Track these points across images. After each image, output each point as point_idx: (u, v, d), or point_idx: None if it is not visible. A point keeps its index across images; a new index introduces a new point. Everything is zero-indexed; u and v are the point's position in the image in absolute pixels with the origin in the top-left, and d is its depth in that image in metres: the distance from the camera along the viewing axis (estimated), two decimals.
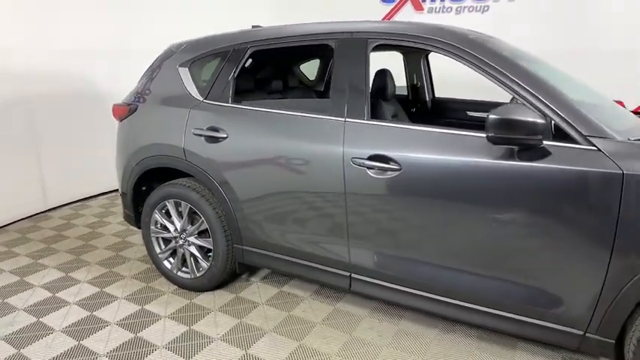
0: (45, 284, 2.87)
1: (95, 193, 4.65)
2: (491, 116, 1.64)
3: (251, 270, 3.03)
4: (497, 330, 2.04)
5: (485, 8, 5.59)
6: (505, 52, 1.96)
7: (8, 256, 3.28)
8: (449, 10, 5.78)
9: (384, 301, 2.55)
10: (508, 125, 1.64)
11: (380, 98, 2.76)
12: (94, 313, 2.56)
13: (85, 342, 2.29)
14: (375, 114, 2.57)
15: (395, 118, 2.94)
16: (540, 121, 1.64)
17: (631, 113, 2.34)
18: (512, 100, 2.14)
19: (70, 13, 4.10)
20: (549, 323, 1.83)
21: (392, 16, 6.00)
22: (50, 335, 2.34)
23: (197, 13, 5.08)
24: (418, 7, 5.89)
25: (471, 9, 5.68)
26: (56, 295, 2.75)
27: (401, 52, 3.37)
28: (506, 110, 1.66)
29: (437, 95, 3.52)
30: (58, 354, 2.19)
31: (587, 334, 1.78)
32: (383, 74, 2.82)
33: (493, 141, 1.70)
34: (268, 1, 5.91)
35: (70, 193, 4.42)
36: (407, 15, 5.95)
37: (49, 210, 4.23)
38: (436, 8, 5.83)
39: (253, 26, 2.81)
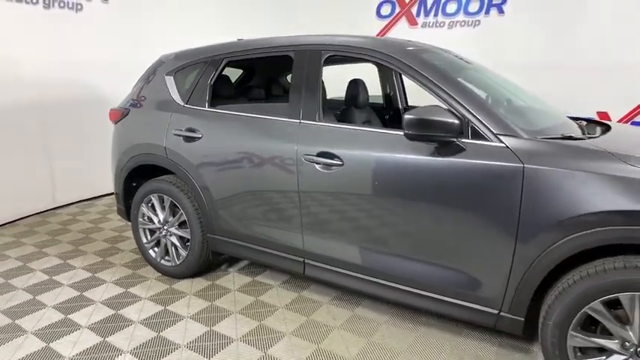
0: (44, 269, 3.20)
1: (101, 193, 5.01)
2: (407, 116, 1.89)
3: (231, 261, 3.29)
4: (429, 311, 2.24)
5: (477, 23, 5.80)
6: (436, 62, 2.20)
7: (15, 245, 3.64)
8: (442, 24, 6.02)
9: (339, 288, 2.78)
10: (423, 124, 1.88)
11: (352, 105, 3.00)
12: (83, 293, 2.86)
13: (71, 316, 2.58)
14: (347, 119, 2.83)
15: (367, 124, 3.18)
16: (453, 121, 1.87)
17: (564, 117, 2.52)
18: None
19: (80, 27, 4.51)
20: (470, 303, 2.04)
21: (387, 31, 6.28)
22: (42, 310, 2.64)
23: (203, 23, 5.44)
24: (413, 22, 6.15)
25: (463, 23, 5.90)
26: (53, 278, 3.07)
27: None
28: (423, 111, 1.89)
29: (410, 103, 3.75)
30: (47, 324, 2.49)
31: (501, 313, 1.97)
32: (355, 84, 3.06)
33: (410, 138, 1.94)
34: (274, 23, 6.22)
35: (79, 193, 4.80)
36: (402, 29, 6.21)
37: (58, 207, 4.61)
38: (430, 23, 6.07)
39: (238, 39, 3.12)
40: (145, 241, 3.13)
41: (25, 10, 4.09)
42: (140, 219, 3.11)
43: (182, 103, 2.87)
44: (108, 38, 4.75)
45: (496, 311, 1.98)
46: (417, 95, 3.99)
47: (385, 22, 6.28)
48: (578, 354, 1.84)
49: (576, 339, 1.81)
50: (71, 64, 4.48)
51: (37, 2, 4.18)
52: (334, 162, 2.23)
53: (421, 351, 2.25)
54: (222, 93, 2.98)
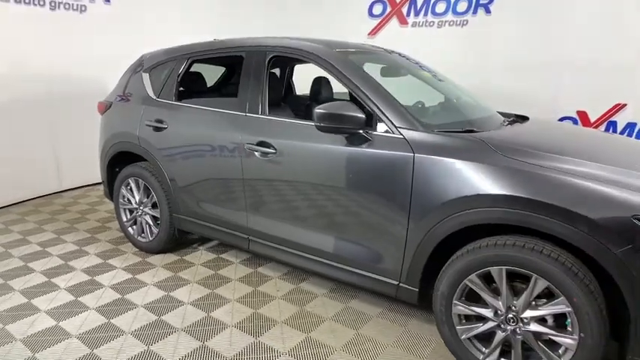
0: (40, 242, 3.64)
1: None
2: (318, 111, 2.18)
3: (202, 241, 3.66)
4: (346, 282, 2.53)
5: (465, 22, 5.97)
6: (359, 63, 2.47)
7: (20, 221, 4.11)
8: (431, 24, 6.21)
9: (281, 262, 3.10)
10: (332, 118, 2.17)
11: (314, 101, 3.29)
12: (67, 262, 3.28)
13: (54, 279, 3.00)
14: (310, 114, 3.11)
15: None
16: (359, 115, 2.15)
17: (490, 112, 2.75)
18: None
19: (84, 27, 4.95)
20: (377, 275, 2.32)
21: (379, 30, 6.51)
22: (29, 274, 3.07)
23: (203, 23, 5.81)
24: (403, 22, 6.37)
25: (451, 23, 6.07)
26: (45, 249, 3.50)
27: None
28: (332, 106, 2.18)
29: None
30: (33, 284, 2.92)
31: (400, 284, 2.25)
32: (318, 82, 3.34)
33: (321, 130, 2.23)
34: (269, 23, 6.53)
35: (82, 179, 5.27)
36: (393, 28, 6.43)
37: (63, 191, 5.09)
38: (420, 22, 6.27)
39: (214, 39, 3.45)
40: (124, 219, 3.52)
41: (34, 11, 4.55)
42: (120, 200, 3.50)
43: (154, 97, 3.23)
44: (110, 37, 5.16)
45: (396, 282, 2.26)
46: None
47: (377, 21, 6.50)
48: (463, 320, 2.11)
49: (459, 307, 2.07)
50: (76, 61, 4.93)
51: (44, 4, 4.63)
52: (270, 150, 2.54)
53: (408, 345, 2.34)
54: (188, 88, 3.33)
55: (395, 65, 3.03)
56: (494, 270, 1.94)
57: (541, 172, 1.83)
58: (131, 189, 3.41)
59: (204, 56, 3.09)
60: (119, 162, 3.52)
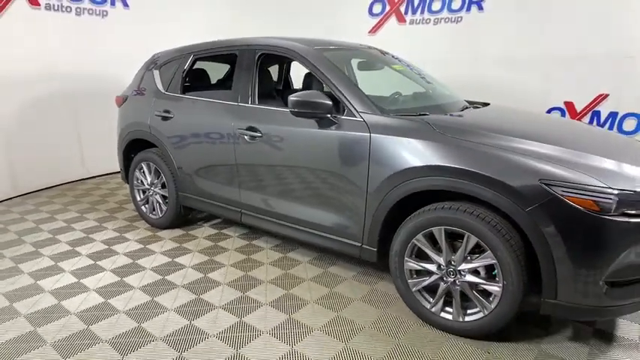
0: (65, 219, 4.16)
1: None
2: (292, 98, 2.58)
3: (208, 218, 4.11)
4: (322, 247, 2.93)
5: (459, 19, 6.27)
6: (332, 59, 2.86)
7: (48, 203, 4.66)
8: (428, 21, 6.53)
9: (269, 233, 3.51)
10: (303, 104, 2.57)
11: None
12: (89, 235, 3.77)
13: (77, 248, 3.50)
14: None
15: None
16: (326, 102, 2.55)
17: (455, 99, 3.12)
18: None
19: (106, 29, 5.48)
20: (344, 239, 2.71)
21: (379, 28, 6.86)
22: (57, 244, 3.58)
23: (216, 24, 6.27)
24: (401, 20, 6.70)
25: (447, 20, 6.39)
26: (70, 225, 4.01)
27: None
28: (304, 94, 2.58)
29: None
30: (60, 251, 3.42)
31: (363, 246, 2.63)
32: (310, 76, 3.70)
33: (295, 114, 2.64)
34: (274, 23, 6.94)
35: (105, 167, 5.81)
36: (392, 26, 6.77)
37: (88, 178, 5.64)
38: (417, 20, 6.60)
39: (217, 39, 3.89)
40: (138, 199, 4.00)
41: (61, 17, 5.09)
42: (135, 182, 3.99)
43: (163, 91, 3.69)
44: (129, 38, 5.68)
45: (359, 244, 2.65)
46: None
47: (376, 19, 6.85)
48: (414, 275, 2.48)
49: (409, 264, 2.44)
50: (98, 60, 5.46)
51: (71, 11, 5.17)
52: (257, 134, 2.96)
53: (373, 301, 2.68)
54: (192, 82, 3.77)
55: (372, 60, 3.40)
56: (435, 230, 2.30)
57: (469, 146, 2.19)
58: (144, 172, 3.89)
59: (205, 54, 3.53)
60: (134, 149, 4.00)
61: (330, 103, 2.56)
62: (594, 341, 2.31)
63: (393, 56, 3.62)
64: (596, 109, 5.23)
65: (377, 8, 6.87)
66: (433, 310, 2.41)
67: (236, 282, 2.95)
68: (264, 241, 3.61)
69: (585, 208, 1.93)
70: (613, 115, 5.06)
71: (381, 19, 6.84)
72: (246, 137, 3.02)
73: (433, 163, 2.25)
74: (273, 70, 4.73)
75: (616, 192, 1.91)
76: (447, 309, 2.38)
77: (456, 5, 6.28)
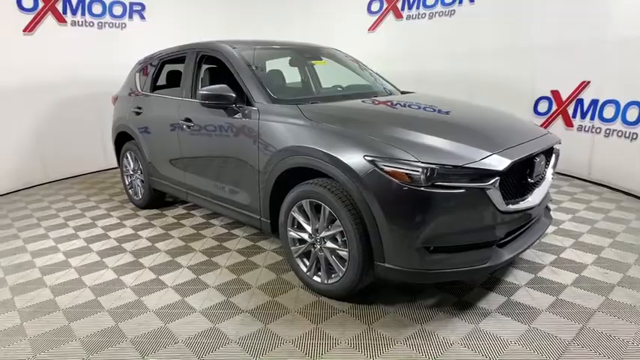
0: (83, 208, 4.93)
1: None
2: (200, 92, 3.04)
3: (185, 203, 4.71)
4: (237, 220, 3.35)
5: (452, 12, 6.36)
6: (248, 58, 3.27)
7: (68, 188, 5.55)
8: (423, 16, 6.67)
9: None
10: (210, 97, 3.01)
11: None
12: (95, 222, 4.51)
13: (80, 233, 4.21)
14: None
15: None
16: (229, 94, 2.97)
17: (386, 89, 3.40)
18: None
19: (125, 40, 6.31)
20: (248, 212, 3.12)
21: (377, 25, 7.09)
22: (67, 228, 4.36)
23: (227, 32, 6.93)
24: (399, 16, 6.89)
25: (441, 14, 6.49)
26: (85, 213, 4.80)
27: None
28: (211, 88, 3.03)
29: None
30: (67, 233, 4.17)
31: (261, 218, 3.03)
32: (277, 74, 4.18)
33: (205, 106, 3.11)
34: (274, 22, 7.44)
35: None
36: (390, 22, 6.97)
37: (108, 169, 6.54)
38: (413, 15, 6.76)
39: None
40: (126, 183, 4.70)
41: (85, 31, 5.98)
42: (123, 169, 4.69)
43: (140, 90, 4.33)
44: (145, 47, 6.43)
45: (258, 217, 3.04)
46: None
47: (375, 17, 7.08)
48: (296, 244, 2.83)
49: (291, 233, 2.80)
50: (118, 66, 6.26)
51: (93, 25, 6.05)
52: (190, 124, 3.47)
53: (275, 269, 3.21)
54: (160, 82, 4.37)
55: (299, 58, 3.78)
56: (304, 202, 2.64)
57: (323, 129, 2.52)
58: (129, 160, 4.57)
59: (168, 57, 4.12)
60: (124, 140, 4.70)
61: (234, 95, 2.98)
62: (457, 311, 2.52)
63: (354, 60, 4.02)
64: (579, 97, 5.10)
65: (375, 6, 7.10)
66: (308, 274, 2.75)
67: (177, 251, 3.47)
68: (241, 229, 4.11)
69: (400, 179, 2.18)
70: (594, 102, 4.91)
71: (379, 17, 7.07)
72: (184, 127, 3.54)
73: (297, 144, 2.60)
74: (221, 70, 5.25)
75: (424, 165, 2.15)
76: (319, 273, 2.71)
77: None
